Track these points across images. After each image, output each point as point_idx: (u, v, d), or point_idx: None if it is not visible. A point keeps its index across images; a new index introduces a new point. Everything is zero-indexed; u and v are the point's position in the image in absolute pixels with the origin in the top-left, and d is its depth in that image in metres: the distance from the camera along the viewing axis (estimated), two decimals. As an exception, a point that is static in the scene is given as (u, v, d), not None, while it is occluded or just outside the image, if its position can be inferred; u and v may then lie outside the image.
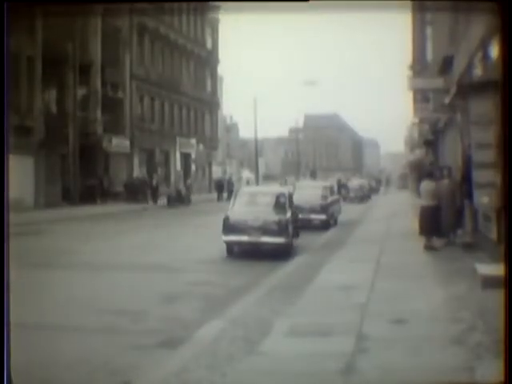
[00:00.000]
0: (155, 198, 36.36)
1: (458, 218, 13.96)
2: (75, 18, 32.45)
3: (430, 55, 26.83)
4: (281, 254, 13.25)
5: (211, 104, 56.14)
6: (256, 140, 53.56)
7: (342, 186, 44.43)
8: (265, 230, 13.29)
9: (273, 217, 13.57)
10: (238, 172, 75.42)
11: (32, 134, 29.57)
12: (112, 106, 38.11)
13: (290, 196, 14.86)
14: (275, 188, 20.43)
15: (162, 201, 35.75)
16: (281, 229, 13.34)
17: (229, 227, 13.44)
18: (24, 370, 5.19)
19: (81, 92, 34.76)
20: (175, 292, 9.69)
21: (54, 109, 33.52)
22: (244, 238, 13.42)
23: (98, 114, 36.22)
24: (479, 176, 10.95)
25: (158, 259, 13.40)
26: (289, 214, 13.90)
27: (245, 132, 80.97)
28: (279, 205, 14.03)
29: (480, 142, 10.81)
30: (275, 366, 5.54)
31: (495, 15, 6.27)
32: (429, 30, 26.45)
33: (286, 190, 16.23)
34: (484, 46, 11.68)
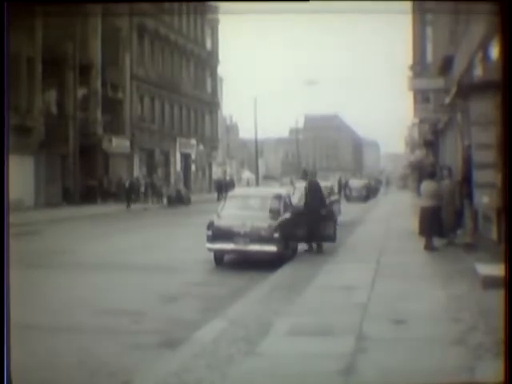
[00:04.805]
0: (128, 200, 32.49)
1: (458, 218, 13.96)
2: (75, 17, 32.48)
3: (430, 56, 26.87)
4: (273, 264, 11.65)
5: (211, 104, 56.18)
6: (256, 140, 53.62)
7: (345, 185, 44.50)
8: (253, 237, 11.92)
9: (263, 222, 12.16)
10: (238, 172, 75.50)
11: (32, 134, 29.59)
12: (112, 107, 38.16)
13: (288, 198, 13.79)
14: (271, 190, 18.28)
15: (163, 201, 35.74)
16: (272, 236, 11.95)
17: (213, 233, 12.12)
18: (24, 371, 5.18)
19: (81, 92, 34.79)
20: (174, 292, 9.70)
21: (54, 109, 33.55)
22: (229, 246, 12.09)
23: (98, 114, 36.25)
24: (479, 176, 10.96)
25: (157, 259, 13.39)
26: (282, 219, 12.61)
27: (245, 132, 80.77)
28: (273, 209, 12.70)
29: (480, 142, 10.83)
30: (274, 367, 5.54)
31: (495, 15, 6.27)
32: (429, 31, 26.49)
33: (283, 191, 14.67)
34: (484, 46, 11.71)
